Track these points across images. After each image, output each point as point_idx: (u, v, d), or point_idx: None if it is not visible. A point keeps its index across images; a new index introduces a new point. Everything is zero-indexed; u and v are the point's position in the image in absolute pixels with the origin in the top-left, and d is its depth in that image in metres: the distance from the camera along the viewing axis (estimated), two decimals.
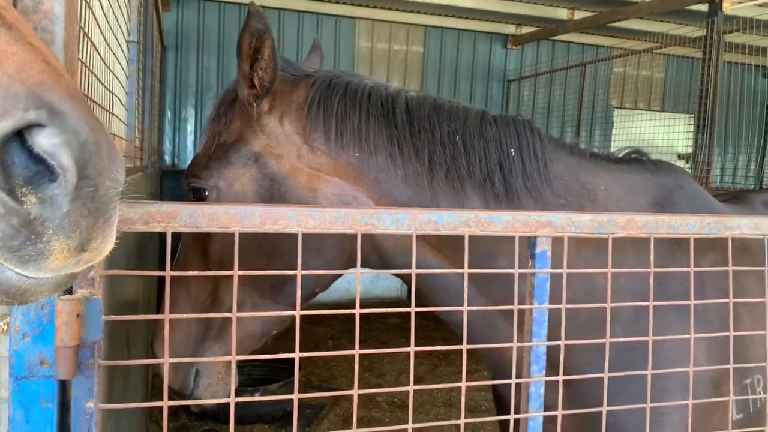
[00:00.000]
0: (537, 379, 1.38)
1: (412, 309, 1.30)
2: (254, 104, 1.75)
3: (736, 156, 11.51)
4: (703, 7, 7.08)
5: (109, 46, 2.65)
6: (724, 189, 7.40)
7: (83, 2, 1.82)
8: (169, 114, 8.81)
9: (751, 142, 10.93)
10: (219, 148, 1.78)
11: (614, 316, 1.71)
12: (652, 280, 1.48)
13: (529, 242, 1.39)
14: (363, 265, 1.33)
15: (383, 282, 9.53)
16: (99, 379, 1.08)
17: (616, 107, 10.83)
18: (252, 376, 5.70)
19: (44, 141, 0.67)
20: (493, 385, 2.35)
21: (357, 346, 1.24)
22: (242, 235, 1.16)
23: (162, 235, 1.12)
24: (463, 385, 1.34)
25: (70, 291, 1.05)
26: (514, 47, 10.23)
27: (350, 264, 1.80)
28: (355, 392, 1.25)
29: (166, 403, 1.12)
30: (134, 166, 3.48)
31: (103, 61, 2.45)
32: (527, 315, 1.40)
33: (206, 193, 1.75)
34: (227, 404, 1.18)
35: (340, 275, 1.87)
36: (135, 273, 1.22)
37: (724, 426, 1.77)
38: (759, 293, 1.85)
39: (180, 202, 1.15)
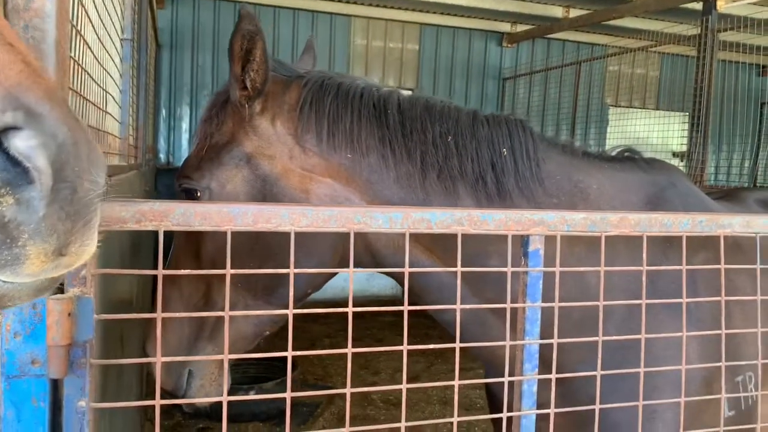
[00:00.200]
0: (530, 377, 1.39)
1: (405, 308, 1.30)
2: (246, 105, 1.74)
3: (730, 154, 11.57)
4: (698, 6, 7.11)
5: (102, 44, 2.63)
6: (719, 187, 7.42)
7: (76, 0, 1.81)
8: (163, 112, 8.79)
9: (746, 140, 10.96)
10: (211, 150, 1.78)
11: (607, 315, 1.72)
12: (644, 279, 1.49)
13: (522, 241, 1.39)
14: (356, 266, 1.33)
15: (379, 280, 9.52)
16: (91, 378, 1.07)
17: (611, 105, 10.87)
18: (248, 374, 5.70)
19: (20, 143, 0.66)
20: (486, 384, 2.36)
21: (350, 344, 1.25)
22: (235, 238, 1.16)
23: (157, 234, 1.12)
24: (456, 383, 1.34)
25: (61, 290, 1.05)
26: (509, 45, 10.25)
27: (343, 265, 1.80)
28: (348, 390, 1.25)
29: (158, 402, 1.12)
30: (128, 164, 3.46)
31: (97, 59, 2.44)
32: (520, 313, 1.40)
33: (198, 195, 1.75)
34: (220, 403, 1.18)
35: (333, 276, 1.86)
36: (126, 272, 1.22)
37: (716, 423, 1.78)
38: (751, 291, 1.86)
39: (172, 201, 1.15)
